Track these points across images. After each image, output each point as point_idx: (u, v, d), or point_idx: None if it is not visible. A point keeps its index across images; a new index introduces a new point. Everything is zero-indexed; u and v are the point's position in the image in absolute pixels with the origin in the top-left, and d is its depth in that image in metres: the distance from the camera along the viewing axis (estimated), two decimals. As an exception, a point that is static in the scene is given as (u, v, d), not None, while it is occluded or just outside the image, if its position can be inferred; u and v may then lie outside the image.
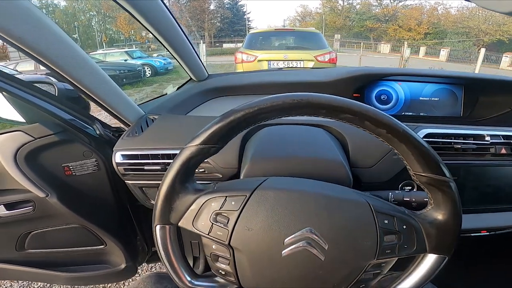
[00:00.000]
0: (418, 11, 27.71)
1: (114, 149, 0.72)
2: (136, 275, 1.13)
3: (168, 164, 0.66)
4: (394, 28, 27.35)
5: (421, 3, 30.23)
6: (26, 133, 0.71)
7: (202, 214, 0.40)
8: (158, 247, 0.42)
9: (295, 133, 0.66)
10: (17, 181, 0.73)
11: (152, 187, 0.74)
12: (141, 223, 1.01)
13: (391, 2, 29.04)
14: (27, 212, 0.77)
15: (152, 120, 0.80)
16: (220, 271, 0.43)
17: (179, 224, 0.41)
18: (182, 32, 0.88)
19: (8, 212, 0.76)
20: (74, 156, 0.76)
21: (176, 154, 0.64)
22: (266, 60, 4.15)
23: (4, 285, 1.42)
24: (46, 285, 1.42)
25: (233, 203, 0.40)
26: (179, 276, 0.42)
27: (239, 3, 32.07)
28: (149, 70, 9.31)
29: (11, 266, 0.87)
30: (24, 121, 0.76)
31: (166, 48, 0.92)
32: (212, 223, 0.40)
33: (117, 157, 0.71)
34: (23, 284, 1.42)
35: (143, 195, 0.76)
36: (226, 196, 0.40)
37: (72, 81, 0.63)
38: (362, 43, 18.06)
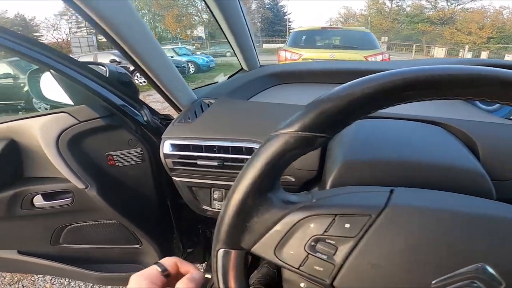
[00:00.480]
0: (480, 14, 25.26)
1: (163, 136, 0.62)
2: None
3: (227, 159, 0.56)
4: (451, 32, 25.24)
5: (484, 7, 27.42)
6: (71, 115, 0.65)
7: (292, 239, 0.27)
8: (217, 278, 0.29)
9: (403, 131, 0.50)
10: (57, 169, 0.68)
11: (204, 187, 0.63)
12: (180, 221, 0.93)
13: (448, 5, 26.88)
14: (66, 204, 0.72)
15: (208, 104, 0.70)
16: None
17: (252, 249, 0.28)
18: (244, 20, 0.83)
19: (46, 203, 0.72)
20: (119, 144, 0.69)
21: (238, 147, 0.55)
22: (311, 59, 3.96)
23: (37, 276, 1.43)
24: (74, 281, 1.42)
25: (347, 225, 0.26)
26: None
27: (280, 4, 31.99)
28: (192, 67, 9.61)
29: (44, 261, 0.83)
30: (72, 103, 0.70)
31: (226, 35, 0.88)
32: (308, 253, 0.27)
33: (166, 147, 0.61)
34: (54, 278, 1.43)
35: (192, 197, 0.65)
36: (336, 215, 0.27)
37: (136, 55, 0.57)
38: (414, 45, 16.84)
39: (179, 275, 0.35)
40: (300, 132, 0.24)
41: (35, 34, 25.32)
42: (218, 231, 0.28)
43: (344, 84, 0.24)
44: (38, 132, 0.65)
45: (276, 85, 0.87)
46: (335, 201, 0.28)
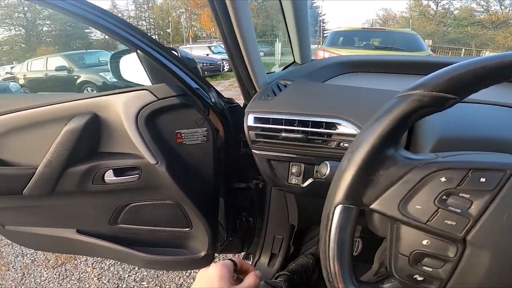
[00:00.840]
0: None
1: (246, 110, 0.65)
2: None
3: (311, 133, 0.58)
4: (505, 36, 23.09)
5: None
6: (151, 92, 0.70)
7: (419, 193, 0.27)
8: (328, 236, 0.30)
9: (492, 113, 0.49)
10: (128, 144, 0.73)
11: (282, 161, 0.65)
12: (229, 208, 0.96)
13: (501, 9, 24.64)
14: (132, 181, 0.76)
15: (284, 85, 0.72)
16: (416, 276, 0.30)
17: (373, 205, 0.29)
18: (307, 14, 0.85)
19: (115, 178, 0.76)
20: (188, 123, 0.74)
21: (320, 122, 0.57)
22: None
23: (80, 260, 1.50)
24: (116, 262, 1.48)
25: (482, 180, 0.26)
26: (340, 279, 0.31)
27: (314, 4, 31.39)
28: (227, 65, 9.73)
29: (99, 241, 0.86)
30: (146, 84, 0.76)
31: (288, 28, 0.91)
32: (439, 207, 0.27)
33: (250, 120, 0.64)
34: (95, 262, 1.49)
35: (269, 170, 0.67)
36: (470, 170, 0.27)
37: (242, 40, 0.62)
38: (463, 49, 15.71)
39: (241, 272, 0.44)
40: (434, 92, 0.26)
41: (85, 30, 27.43)
42: (337, 187, 0.29)
43: (476, 58, 0.26)
44: (121, 107, 0.71)
45: (345, 73, 0.87)
46: (466, 158, 0.29)
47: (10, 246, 1.67)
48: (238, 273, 0.44)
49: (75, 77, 6.19)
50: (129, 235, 0.89)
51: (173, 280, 1.38)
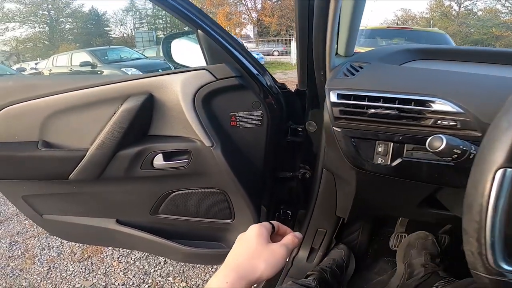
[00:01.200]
0: None
1: (326, 87, 0.62)
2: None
3: (403, 110, 0.55)
4: (532, 38, 22.07)
5: None
6: (210, 72, 0.68)
7: None
8: (486, 203, 0.26)
9: None
10: (179, 126, 0.70)
11: (368, 139, 0.61)
12: (271, 198, 0.92)
13: (528, 10, 23.56)
14: (181, 166, 0.74)
15: (360, 67, 0.68)
16: None
17: None
18: (363, 9, 0.82)
19: (164, 163, 0.74)
20: (243, 105, 0.72)
21: (411, 99, 0.54)
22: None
23: (106, 254, 1.43)
24: (144, 254, 1.45)
25: None
26: (494, 251, 0.27)
27: (332, 4, 30.90)
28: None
29: (139, 232, 0.83)
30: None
31: (342, 17, 0.88)
32: None
33: (332, 96, 0.60)
34: (121, 256, 1.46)
35: (352, 149, 0.63)
36: None
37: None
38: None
39: (278, 235, 0.44)
40: None
41: (105, 28, 28.28)
42: (496, 149, 0.26)
43: None
44: (179, 86, 0.68)
45: (417, 60, 0.82)
46: None
47: (36, 239, 1.68)
48: (275, 235, 0.44)
49: (99, 72, 6.35)
50: (167, 226, 0.86)
51: (199, 275, 1.35)
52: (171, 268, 1.40)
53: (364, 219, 1.07)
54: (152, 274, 1.38)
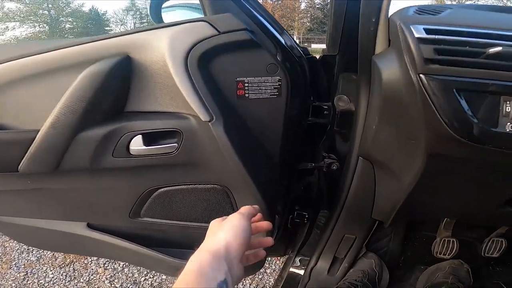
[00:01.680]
0: None
1: (401, 24, 0.45)
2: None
3: None
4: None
5: None
6: (211, 24, 0.50)
7: None
8: None
9: None
10: (167, 98, 0.53)
11: (487, 92, 0.41)
12: (287, 197, 0.73)
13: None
14: (169, 152, 0.55)
15: (436, 11, 0.52)
16: None
17: None
18: None
19: (144, 148, 0.55)
20: (255, 68, 0.54)
21: None
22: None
23: (90, 259, 1.22)
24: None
25: None
26: None
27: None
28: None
29: (116, 240, 0.66)
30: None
31: None
32: None
33: (418, 31, 0.43)
34: (108, 262, 1.30)
35: (459, 108, 0.43)
36: None
37: None
38: None
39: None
40: None
41: (105, 28, 28.24)
42: None
43: None
44: (166, 43, 0.50)
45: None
46: None
47: (15, 241, 1.50)
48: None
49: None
50: (153, 233, 0.68)
51: (197, 287, 1.18)
52: (164, 277, 1.22)
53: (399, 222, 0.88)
54: (142, 283, 1.21)
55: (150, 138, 0.56)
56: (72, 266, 1.31)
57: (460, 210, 0.64)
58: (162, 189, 0.62)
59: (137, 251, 0.66)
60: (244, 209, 0.42)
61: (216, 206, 0.63)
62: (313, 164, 0.71)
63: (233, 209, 0.62)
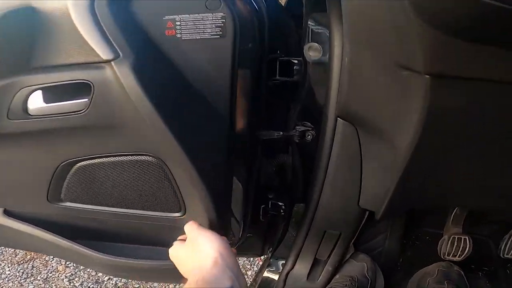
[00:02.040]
0: None
1: None
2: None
3: None
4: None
5: None
6: None
7: None
8: None
9: None
10: (75, 48, 0.42)
11: None
12: (249, 180, 0.59)
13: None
14: (78, 111, 0.43)
15: None
16: None
17: None
18: None
19: (46, 106, 0.44)
20: (190, 4, 0.42)
21: None
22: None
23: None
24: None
25: None
26: None
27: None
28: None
29: (36, 230, 0.54)
30: None
31: None
32: None
33: None
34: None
35: None
36: None
37: None
38: None
39: None
40: None
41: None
42: None
43: None
44: None
45: None
46: None
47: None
48: None
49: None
50: (77, 221, 0.54)
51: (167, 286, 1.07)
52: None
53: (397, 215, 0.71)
54: (105, 283, 1.09)
55: (52, 93, 0.43)
56: (32, 263, 1.20)
57: (475, 193, 0.48)
58: (80, 163, 0.48)
59: (58, 243, 0.53)
60: (191, 225, 0.42)
61: (154, 185, 0.48)
62: (281, 133, 0.55)
63: (173, 188, 0.47)
